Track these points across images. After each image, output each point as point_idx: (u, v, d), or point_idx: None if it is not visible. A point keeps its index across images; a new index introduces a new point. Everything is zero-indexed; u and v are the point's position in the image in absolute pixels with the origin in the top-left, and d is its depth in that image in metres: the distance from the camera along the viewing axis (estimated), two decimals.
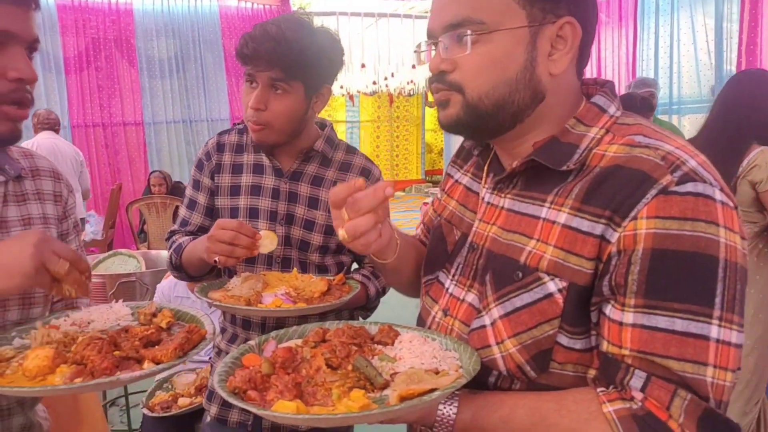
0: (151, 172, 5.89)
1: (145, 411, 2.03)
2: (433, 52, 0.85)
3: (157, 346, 0.90)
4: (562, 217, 0.77)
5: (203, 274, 1.38)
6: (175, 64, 6.61)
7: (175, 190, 5.64)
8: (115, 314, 1.00)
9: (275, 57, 1.22)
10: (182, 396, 2.04)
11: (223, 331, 1.47)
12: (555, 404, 0.75)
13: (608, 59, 5.18)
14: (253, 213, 1.37)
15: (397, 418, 0.74)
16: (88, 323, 0.96)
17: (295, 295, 1.20)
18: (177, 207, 5.47)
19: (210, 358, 2.27)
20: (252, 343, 0.90)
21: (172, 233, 1.45)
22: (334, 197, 0.83)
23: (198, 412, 2.00)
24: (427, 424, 0.79)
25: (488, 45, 0.78)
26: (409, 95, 10.53)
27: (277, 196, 1.37)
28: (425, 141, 13.15)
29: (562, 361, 0.77)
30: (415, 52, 0.91)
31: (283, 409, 0.70)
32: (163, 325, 0.98)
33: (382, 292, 1.43)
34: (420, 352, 0.84)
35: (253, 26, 1.29)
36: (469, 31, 0.77)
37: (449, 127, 0.84)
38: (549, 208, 0.79)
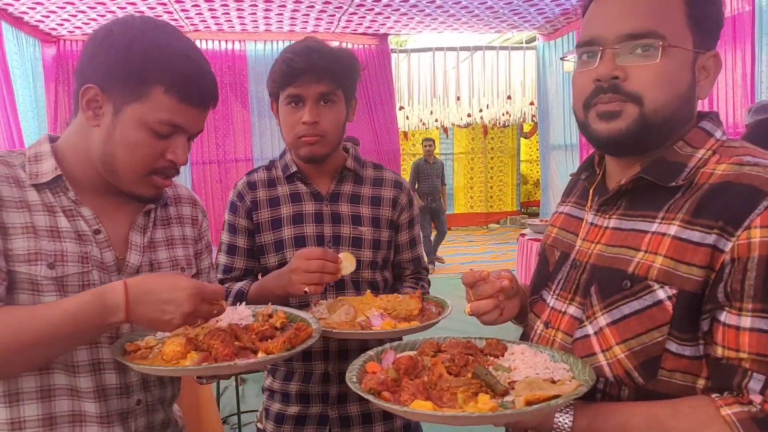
0: None
1: (259, 425, 2.17)
2: (582, 62, 0.89)
3: (270, 340, 1.02)
4: (673, 230, 0.80)
5: None
6: None
7: None
8: (239, 315, 1.14)
9: (322, 69, 1.30)
10: None
11: (274, 371, 1.47)
12: (671, 410, 0.77)
13: (722, 82, 4.92)
14: (299, 241, 1.39)
15: (519, 421, 0.79)
16: (217, 322, 1.09)
17: (394, 315, 1.23)
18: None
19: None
20: (371, 353, 0.99)
21: (221, 282, 1.45)
22: (465, 279, 1.00)
23: None
24: (543, 431, 0.83)
25: (667, 59, 0.82)
26: (504, 126, 10.49)
27: (320, 220, 1.41)
28: (520, 172, 12.96)
29: (671, 368, 0.79)
30: (561, 59, 0.98)
31: (421, 407, 0.77)
32: (278, 324, 1.10)
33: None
34: (533, 363, 0.89)
35: (285, 50, 1.36)
36: (659, 42, 0.81)
37: (613, 140, 0.86)
38: (660, 222, 0.83)
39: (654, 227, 0.83)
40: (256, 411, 2.96)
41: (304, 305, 1.34)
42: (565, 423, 0.81)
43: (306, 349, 1.03)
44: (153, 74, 0.96)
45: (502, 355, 0.96)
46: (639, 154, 0.90)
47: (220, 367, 0.93)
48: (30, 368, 0.94)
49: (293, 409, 1.41)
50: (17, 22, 5.00)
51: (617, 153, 0.95)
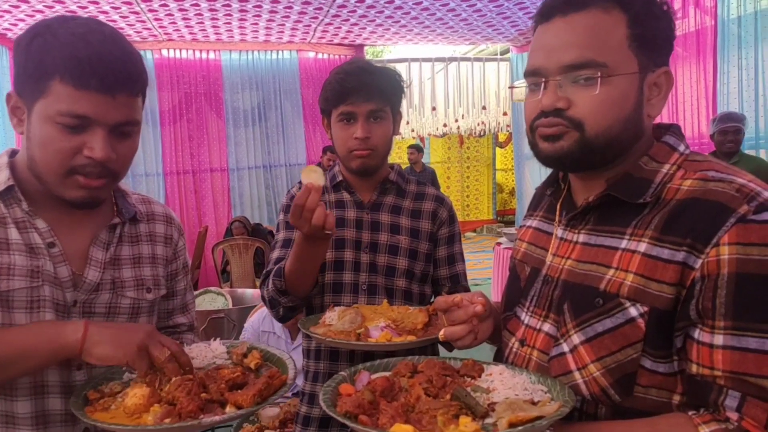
0: (232, 222, 6.22)
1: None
2: (530, 91, 0.90)
3: (240, 390, 0.96)
4: (642, 247, 0.81)
5: (309, 293, 1.40)
6: (257, 114, 7.03)
7: (255, 232, 5.93)
8: (213, 352, 1.09)
9: (373, 88, 1.40)
10: (267, 429, 2.13)
11: (305, 373, 1.51)
12: (649, 428, 0.77)
13: (687, 94, 5.05)
14: (339, 244, 1.45)
15: None
16: (190, 365, 1.01)
17: (395, 327, 1.22)
18: (258, 248, 5.79)
19: (292, 394, 2.36)
20: (344, 373, 0.97)
21: (268, 273, 1.48)
22: (438, 305, 1.01)
23: None
24: None
25: (608, 87, 0.83)
26: (480, 136, 10.59)
27: (360, 227, 1.47)
28: (496, 181, 13.09)
29: (646, 384, 0.79)
30: (510, 87, 0.99)
31: (403, 431, 0.76)
32: (252, 366, 1.05)
33: None
34: (512, 384, 0.89)
35: (336, 70, 1.44)
36: (599, 72, 0.82)
37: (556, 158, 0.88)
38: (629, 239, 0.83)
39: (623, 244, 0.84)
40: (231, 426, 2.91)
41: (318, 315, 1.33)
42: None
43: (277, 400, 0.99)
44: (49, 65, 0.90)
45: (479, 376, 0.95)
46: (588, 170, 0.91)
47: (184, 427, 0.86)
48: None
49: (317, 412, 1.44)
50: None
51: (565, 170, 0.97)
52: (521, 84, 0.94)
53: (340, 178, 1.52)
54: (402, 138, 8.95)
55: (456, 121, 8.26)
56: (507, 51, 7.55)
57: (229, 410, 0.92)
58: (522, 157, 7.54)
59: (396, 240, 1.46)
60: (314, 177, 1.19)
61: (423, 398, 0.86)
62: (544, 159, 0.90)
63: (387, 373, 0.98)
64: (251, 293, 3.89)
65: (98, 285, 1.03)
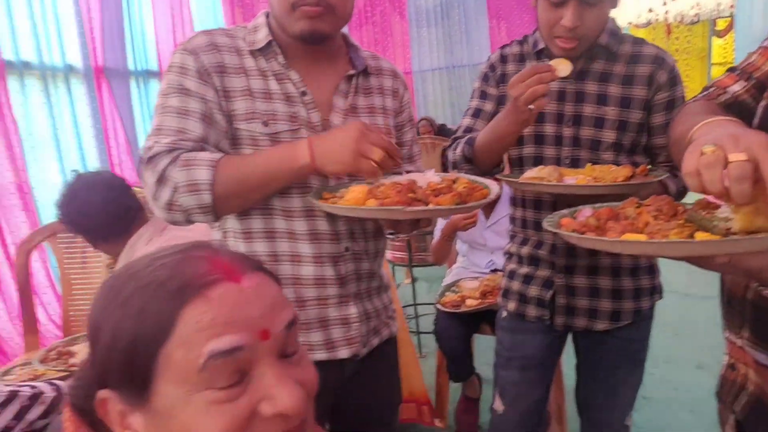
0: (419, 121, 6.34)
1: (439, 306, 2.30)
2: None
3: (443, 196, 1.02)
4: None
5: (491, 170, 1.40)
6: (440, 12, 6.90)
7: (440, 132, 5.99)
8: (427, 180, 1.14)
9: None
10: (469, 298, 2.25)
11: (512, 237, 1.54)
12: None
13: None
14: (539, 117, 1.35)
15: (742, 260, 0.70)
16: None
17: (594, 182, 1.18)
18: (444, 147, 5.82)
19: (491, 270, 2.44)
20: (565, 211, 0.94)
21: (455, 139, 1.47)
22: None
23: (484, 313, 2.19)
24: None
25: None
26: (693, 23, 9.14)
27: (563, 98, 1.35)
28: (710, 77, 11.36)
29: None
30: None
31: (635, 238, 0.71)
32: (460, 188, 1.09)
33: (680, 194, 1.33)
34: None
35: None
36: None
37: None
38: None
39: None
40: (428, 304, 3.15)
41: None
42: None
43: (477, 206, 1.04)
44: None
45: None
46: None
47: (391, 210, 0.98)
48: (246, 204, 1.07)
49: (523, 270, 1.49)
50: None
51: None
52: None
53: (541, 45, 1.38)
54: None
55: (664, 4, 7.21)
56: None
57: (430, 206, 1.00)
58: (747, 47, 6.37)
59: (602, 112, 1.33)
60: (561, 67, 1.18)
61: (652, 222, 0.81)
62: None
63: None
64: None
65: None
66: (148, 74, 3.90)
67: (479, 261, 2.48)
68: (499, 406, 1.53)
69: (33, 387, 1.87)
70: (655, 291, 1.46)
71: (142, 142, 3.73)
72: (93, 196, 1.62)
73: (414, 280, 3.76)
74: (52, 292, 2.99)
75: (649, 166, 1.28)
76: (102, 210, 1.62)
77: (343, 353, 1.15)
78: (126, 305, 0.51)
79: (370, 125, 1.04)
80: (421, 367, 2.42)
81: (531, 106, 1.16)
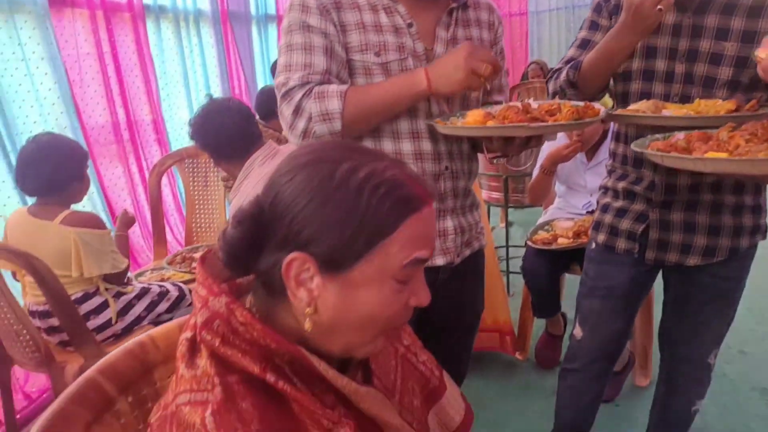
0: (529, 64, 6.09)
1: (529, 243, 2.34)
2: None
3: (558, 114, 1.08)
4: None
5: (596, 95, 1.38)
6: None
7: None
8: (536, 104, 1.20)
9: None
10: (561, 237, 2.27)
11: (610, 173, 1.53)
12: None
13: None
14: (650, 52, 1.30)
15: None
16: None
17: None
18: (545, 81, 5.52)
19: (587, 211, 2.43)
20: (658, 135, 0.97)
21: (556, 71, 1.44)
22: None
23: (575, 251, 2.17)
24: None
25: None
26: None
27: (678, 33, 1.27)
28: None
29: None
30: None
31: (716, 156, 0.73)
32: (564, 113, 1.13)
33: None
34: None
35: None
36: None
37: None
38: None
39: None
40: (520, 246, 3.18)
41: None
42: None
43: (592, 123, 1.08)
44: None
45: None
46: None
47: (514, 128, 1.06)
48: (368, 129, 1.18)
49: (618, 204, 1.49)
50: None
51: None
52: None
53: None
54: None
55: None
56: None
57: (550, 122, 1.07)
58: None
59: (721, 47, 1.23)
60: None
61: (743, 145, 0.82)
62: None
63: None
64: None
65: None
66: (267, 18, 4.11)
67: (577, 202, 2.46)
68: (578, 333, 1.56)
69: (161, 286, 2.20)
70: (758, 231, 1.40)
71: (260, 83, 4.00)
72: (225, 118, 1.81)
73: (509, 224, 3.77)
74: (178, 215, 3.36)
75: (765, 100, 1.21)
76: (231, 131, 1.81)
77: (440, 261, 1.27)
78: (360, 193, 0.60)
79: (475, 44, 1.11)
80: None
81: (660, 6, 1.11)
